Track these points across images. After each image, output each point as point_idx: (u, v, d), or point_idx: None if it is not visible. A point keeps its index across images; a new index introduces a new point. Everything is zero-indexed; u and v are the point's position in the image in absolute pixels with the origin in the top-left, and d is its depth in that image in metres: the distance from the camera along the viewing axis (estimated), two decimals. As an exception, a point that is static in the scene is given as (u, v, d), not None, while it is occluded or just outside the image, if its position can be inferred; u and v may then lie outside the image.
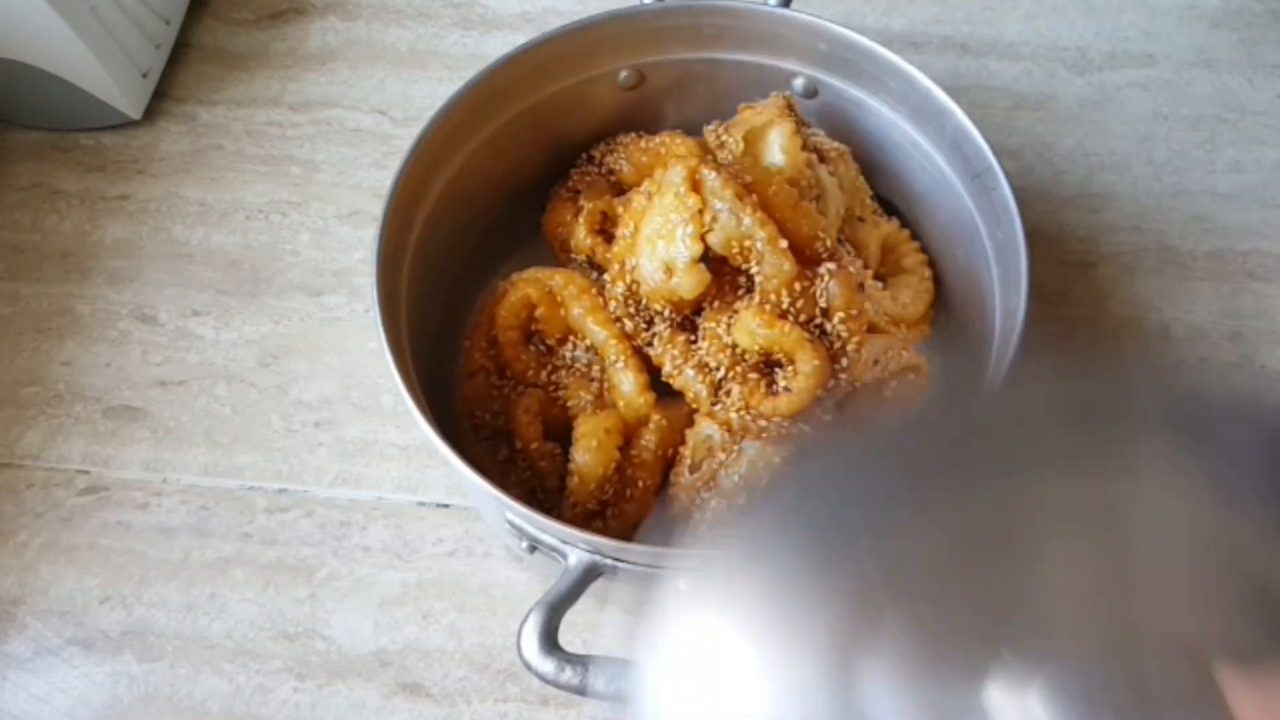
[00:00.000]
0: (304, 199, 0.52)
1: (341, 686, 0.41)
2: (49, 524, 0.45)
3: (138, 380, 0.48)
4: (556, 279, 0.41)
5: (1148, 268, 0.48)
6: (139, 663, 0.42)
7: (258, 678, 0.42)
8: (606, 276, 0.40)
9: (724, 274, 0.37)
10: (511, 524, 0.35)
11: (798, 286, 0.35)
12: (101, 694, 0.41)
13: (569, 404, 0.40)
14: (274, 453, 0.46)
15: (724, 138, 0.41)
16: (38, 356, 0.48)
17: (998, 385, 0.31)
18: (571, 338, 0.41)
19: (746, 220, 0.35)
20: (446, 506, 0.45)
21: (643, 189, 0.39)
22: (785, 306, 0.36)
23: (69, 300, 0.49)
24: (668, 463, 0.39)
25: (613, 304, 0.39)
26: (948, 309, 0.44)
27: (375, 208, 0.50)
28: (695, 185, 0.36)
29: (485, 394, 0.41)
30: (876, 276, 0.42)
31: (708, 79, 0.45)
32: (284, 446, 0.46)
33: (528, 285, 0.41)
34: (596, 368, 0.40)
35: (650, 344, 0.39)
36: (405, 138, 0.40)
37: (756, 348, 0.36)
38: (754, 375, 0.36)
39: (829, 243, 0.37)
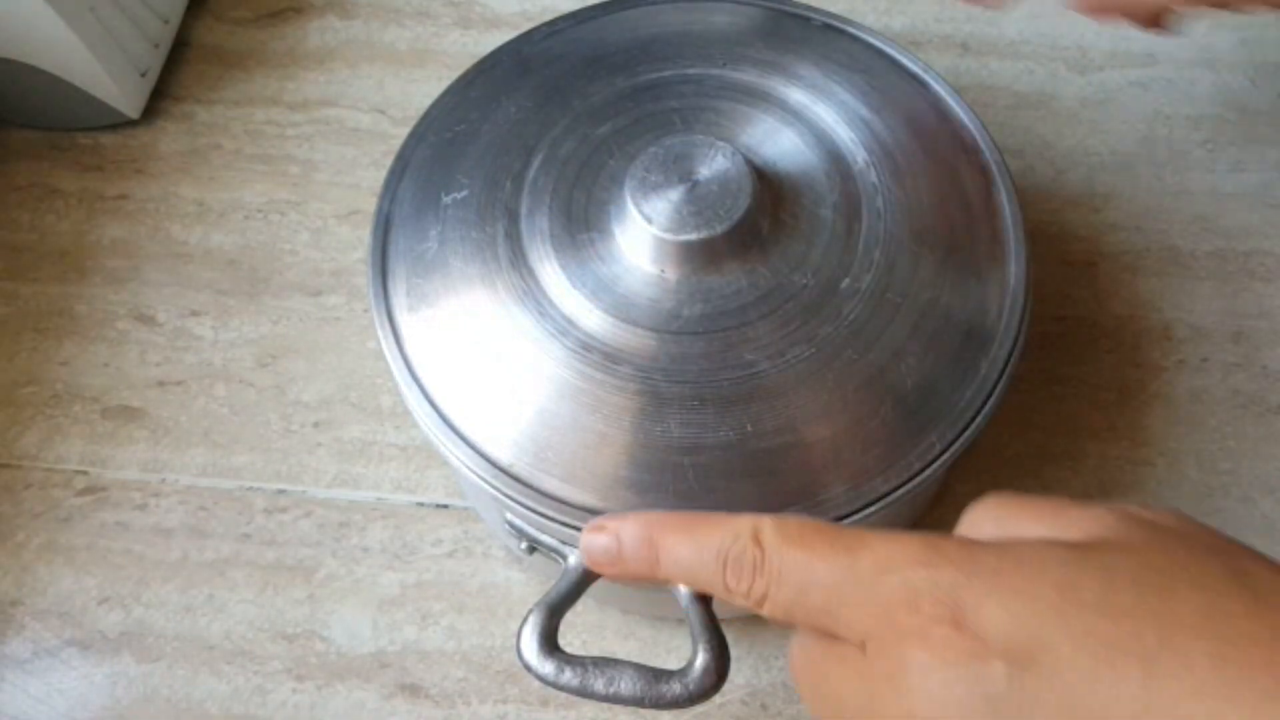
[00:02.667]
0: (303, 198, 0.52)
1: (340, 687, 0.41)
2: (47, 524, 0.45)
3: (136, 380, 0.47)
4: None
5: (1149, 267, 0.48)
6: (137, 663, 0.42)
7: (256, 679, 0.42)
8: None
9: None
10: (511, 525, 0.35)
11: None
12: (100, 695, 0.41)
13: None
14: (272, 453, 0.46)
15: None
16: (35, 356, 0.48)
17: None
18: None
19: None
20: (445, 507, 0.45)
21: None
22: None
23: (67, 300, 0.49)
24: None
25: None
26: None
27: (374, 207, 0.50)
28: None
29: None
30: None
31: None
32: (282, 447, 0.46)
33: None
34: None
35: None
36: (404, 137, 0.40)
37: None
38: None
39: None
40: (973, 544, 0.24)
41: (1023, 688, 0.22)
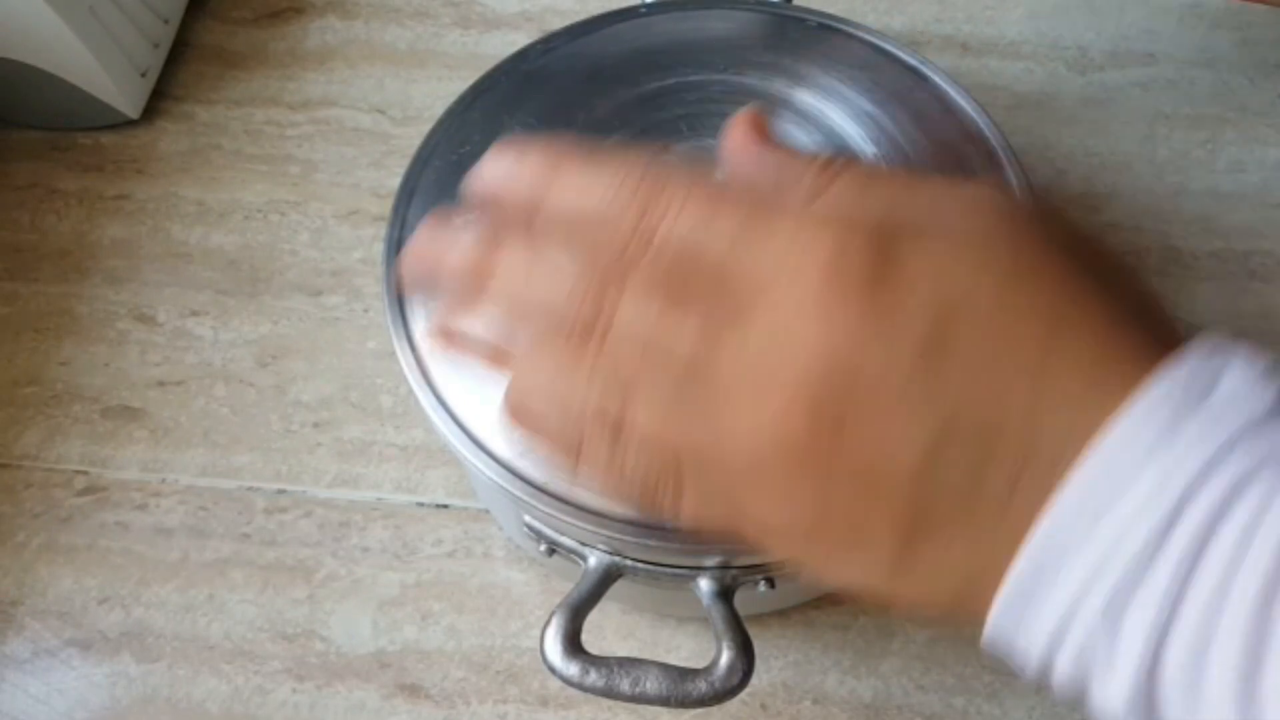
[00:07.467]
0: (303, 198, 0.52)
1: (340, 687, 0.41)
2: (47, 524, 0.45)
3: (136, 380, 0.47)
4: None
5: (1150, 267, 0.48)
6: (137, 664, 0.42)
7: (256, 679, 0.42)
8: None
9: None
10: (530, 528, 0.35)
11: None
12: (100, 695, 0.41)
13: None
14: (272, 453, 0.46)
15: None
16: (35, 356, 0.48)
17: None
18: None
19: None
20: (446, 507, 0.45)
21: None
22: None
23: (67, 300, 0.49)
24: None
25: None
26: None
27: (374, 207, 0.50)
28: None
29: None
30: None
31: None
32: (283, 447, 0.46)
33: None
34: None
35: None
36: (404, 137, 0.40)
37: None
38: None
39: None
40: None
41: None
